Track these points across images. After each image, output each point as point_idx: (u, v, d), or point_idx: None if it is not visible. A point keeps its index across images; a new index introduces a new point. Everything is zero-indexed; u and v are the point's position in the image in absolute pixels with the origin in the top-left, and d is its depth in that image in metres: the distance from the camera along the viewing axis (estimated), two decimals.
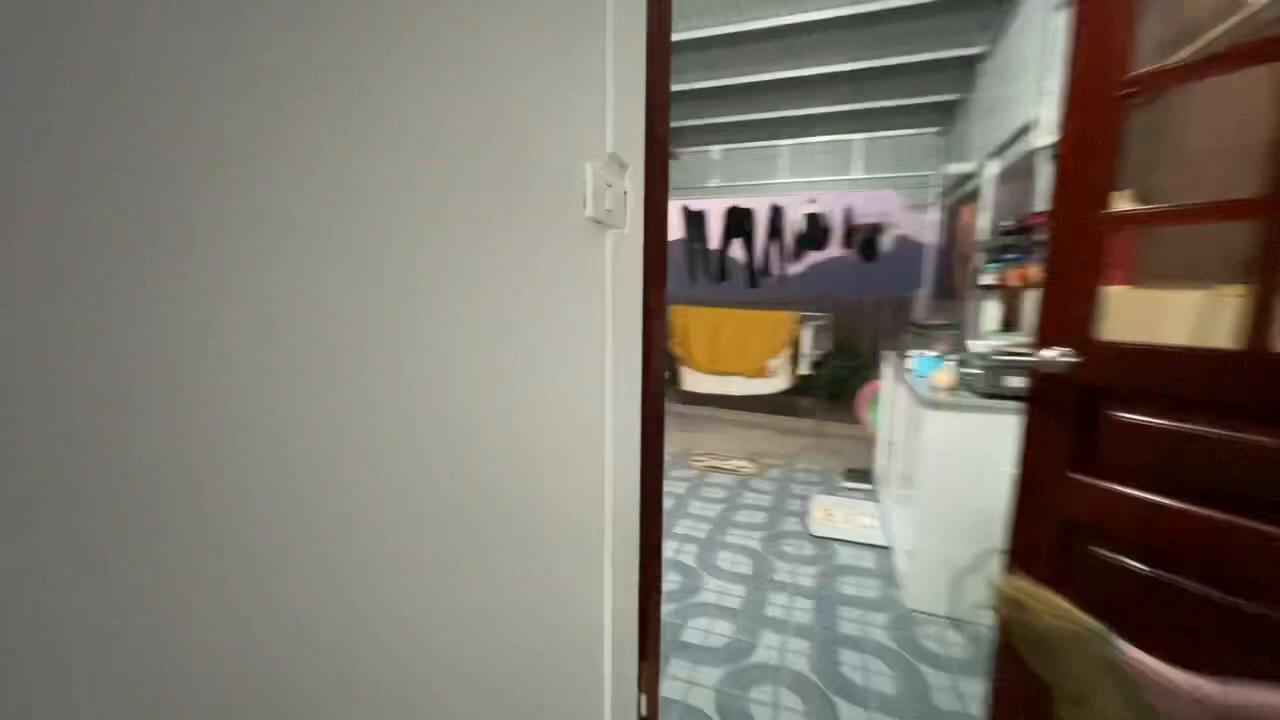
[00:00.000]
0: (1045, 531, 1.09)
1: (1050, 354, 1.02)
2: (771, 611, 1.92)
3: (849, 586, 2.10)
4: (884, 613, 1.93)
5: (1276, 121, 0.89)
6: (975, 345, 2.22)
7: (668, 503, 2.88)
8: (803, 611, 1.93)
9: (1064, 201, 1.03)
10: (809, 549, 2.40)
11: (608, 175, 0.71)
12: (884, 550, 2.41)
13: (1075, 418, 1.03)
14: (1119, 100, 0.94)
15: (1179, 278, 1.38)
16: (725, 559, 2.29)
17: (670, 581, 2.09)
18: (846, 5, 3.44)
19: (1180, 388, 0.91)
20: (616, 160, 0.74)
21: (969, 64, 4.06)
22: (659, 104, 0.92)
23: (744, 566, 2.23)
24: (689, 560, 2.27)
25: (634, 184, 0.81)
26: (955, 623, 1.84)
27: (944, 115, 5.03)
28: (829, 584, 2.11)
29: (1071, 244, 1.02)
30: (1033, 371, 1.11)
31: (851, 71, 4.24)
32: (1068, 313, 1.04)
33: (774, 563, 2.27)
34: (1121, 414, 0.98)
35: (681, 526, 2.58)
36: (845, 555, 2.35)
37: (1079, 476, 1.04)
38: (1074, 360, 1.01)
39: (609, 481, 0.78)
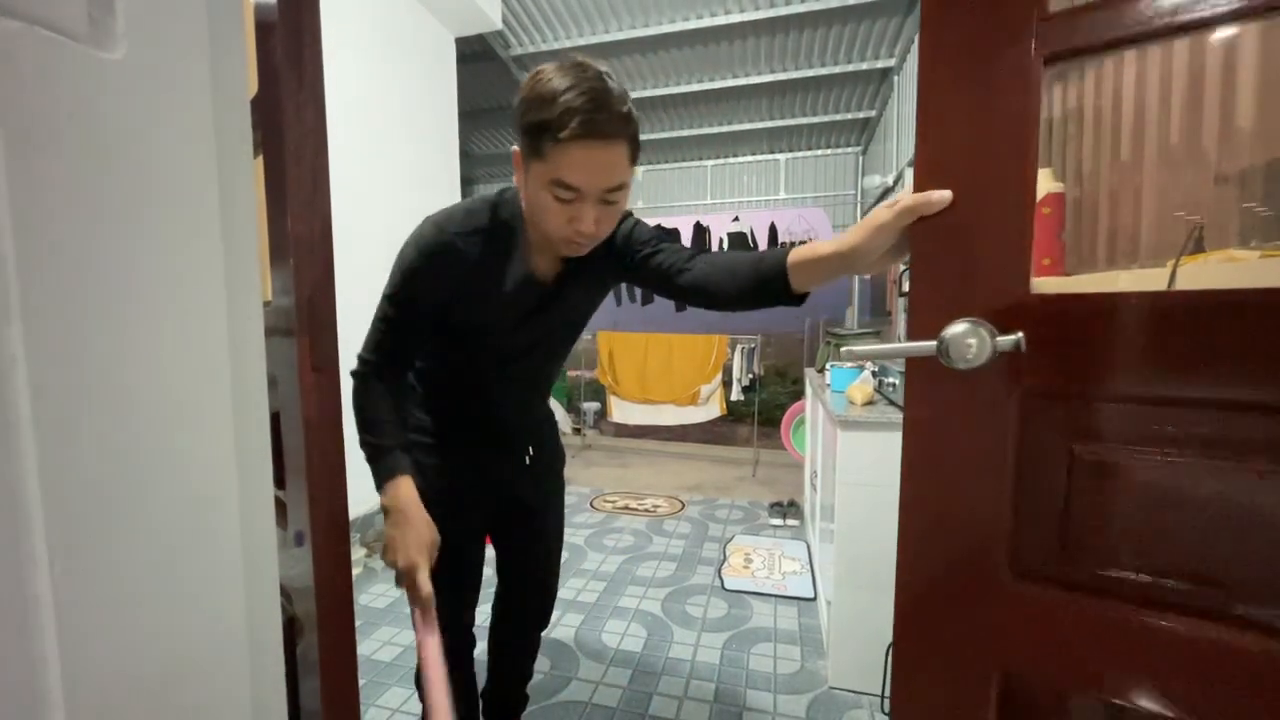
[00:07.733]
0: (961, 702, 0.60)
1: (957, 330, 0.54)
2: (659, 706, 1.46)
3: (762, 659, 1.66)
4: (801, 694, 1.51)
5: None
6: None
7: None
8: (698, 703, 1.47)
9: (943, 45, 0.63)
10: (719, 608, 1.96)
11: None
12: (809, 603, 2.00)
13: (1014, 462, 0.54)
14: None
15: (1123, 261, 1.07)
16: (614, 631, 1.82)
17: (536, 672, 1.60)
18: (754, 10, 3.29)
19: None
20: None
21: (884, 77, 4.02)
22: None
23: (635, 641, 1.76)
24: (566, 637, 1.78)
25: None
26: (886, 705, 1.43)
27: (863, 134, 4.99)
28: (737, 657, 1.67)
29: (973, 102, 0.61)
30: (911, 381, 0.61)
31: (769, 85, 4.14)
32: (975, 250, 0.56)
33: (673, 631, 1.81)
34: (1122, 450, 0.52)
35: (568, 589, 2.09)
36: (762, 614, 1.92)
37: (1032, 588, 0.56)
38: (1007, 340, 0.55)
39: None
